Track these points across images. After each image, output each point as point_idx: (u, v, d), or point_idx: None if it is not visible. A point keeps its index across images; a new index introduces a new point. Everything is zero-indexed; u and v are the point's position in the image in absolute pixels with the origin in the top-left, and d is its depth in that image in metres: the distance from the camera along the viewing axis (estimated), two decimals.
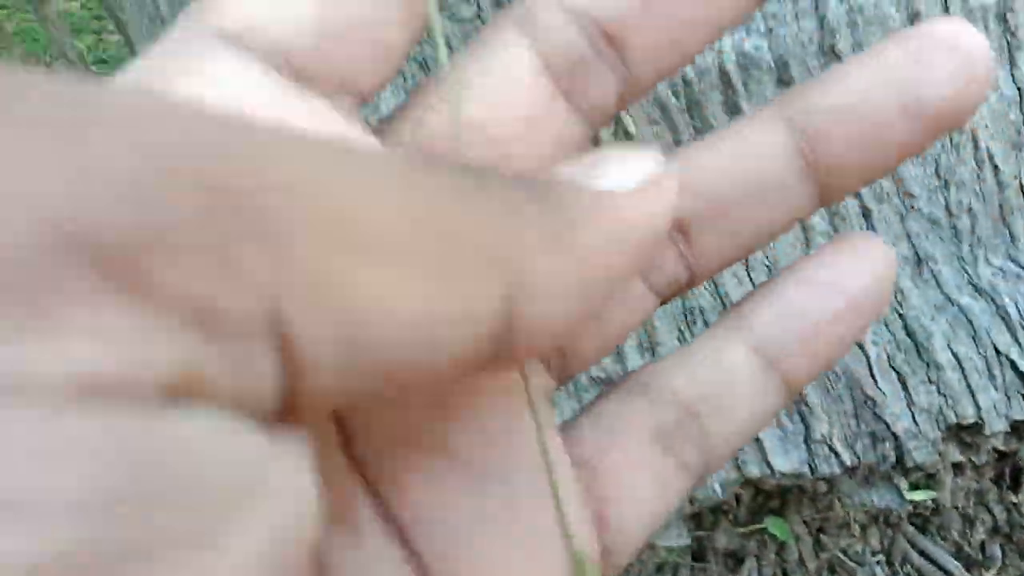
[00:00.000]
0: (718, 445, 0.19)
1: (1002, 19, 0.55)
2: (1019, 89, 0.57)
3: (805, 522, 0.67)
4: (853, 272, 0.19)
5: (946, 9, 0.53)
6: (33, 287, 0.09)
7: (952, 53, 0.17)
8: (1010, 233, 0.60)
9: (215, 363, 0.10)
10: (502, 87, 0.17)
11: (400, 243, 0.11)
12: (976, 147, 0.56)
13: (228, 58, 0.15)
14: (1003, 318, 0.60)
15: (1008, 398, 0.60)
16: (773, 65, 0.53)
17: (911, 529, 0.68)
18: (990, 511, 0.68)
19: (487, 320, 0.12)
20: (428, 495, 0.16)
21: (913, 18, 0.53)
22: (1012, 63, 0.56)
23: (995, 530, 0.68)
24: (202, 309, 0.10)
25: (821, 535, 0.68)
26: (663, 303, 0.20)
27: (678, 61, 0.18)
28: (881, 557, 0.68)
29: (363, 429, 0.16)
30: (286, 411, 0.11)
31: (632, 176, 0.15)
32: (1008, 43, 0.56)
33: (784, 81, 0.53)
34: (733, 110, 0.53)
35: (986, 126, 0.56)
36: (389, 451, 0.16)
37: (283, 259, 0.10)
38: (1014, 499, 0.67)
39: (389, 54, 0.16)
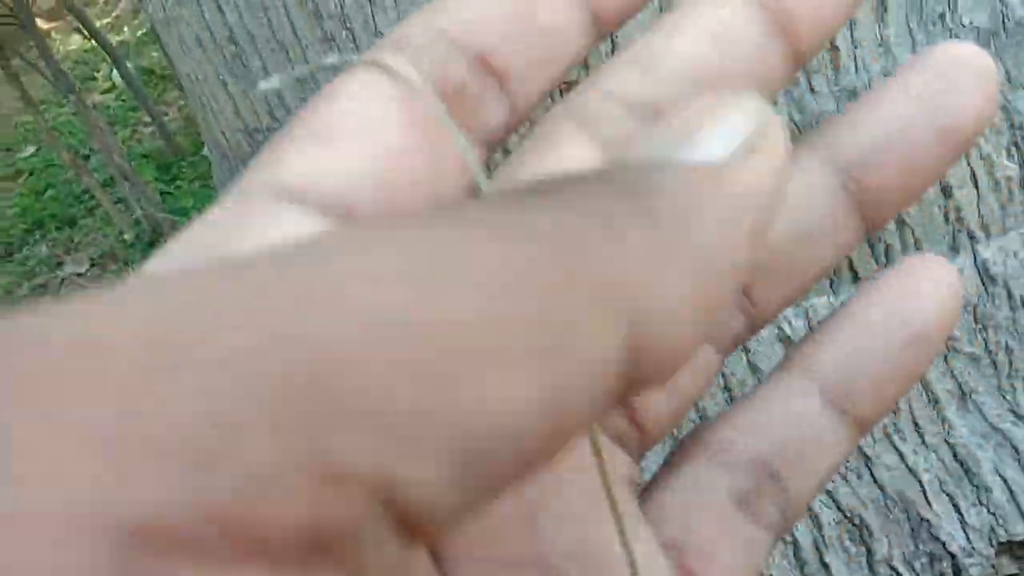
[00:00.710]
0: (797, 499, 0.18)
1: None
2: None
3: None
4: (916, 301, 0.18)
5: (974, 179, 0.59)
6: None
7: (974, 75, 0.17)
8: None
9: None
10: None
11: (491, 332, 0.09)
12: (1010, 296, 0.62)
13: (287, 212, 0.15)
14: None
15: None
16: None
17: None
18: None
19: (612, 369, 0.10)
20: None
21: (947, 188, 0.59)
22: None
23: None
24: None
25: None
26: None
27: None
28: None
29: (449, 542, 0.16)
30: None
31: (731, 134, 0.12)
32: None
33: None
34: None
35: (1018, 277, 0.61)
36: (475, 566, 0.16)
37: (381, 431, 0.09)
38: None
39: (445, 200, 0.16)
